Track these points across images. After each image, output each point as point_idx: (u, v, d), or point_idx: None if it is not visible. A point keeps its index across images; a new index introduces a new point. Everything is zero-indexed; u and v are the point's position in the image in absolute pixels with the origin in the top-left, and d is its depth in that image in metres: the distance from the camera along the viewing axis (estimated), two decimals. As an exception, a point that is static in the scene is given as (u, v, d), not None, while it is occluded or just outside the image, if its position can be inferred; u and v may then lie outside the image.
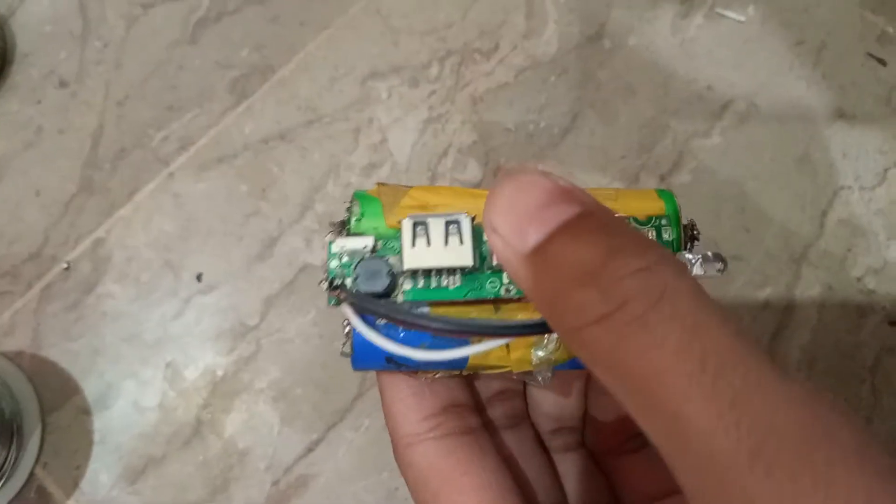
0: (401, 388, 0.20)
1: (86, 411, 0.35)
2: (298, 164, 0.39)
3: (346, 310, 0.18)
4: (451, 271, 0.19)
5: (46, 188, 0.39)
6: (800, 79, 0.42)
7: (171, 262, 0.38)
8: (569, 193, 0.15)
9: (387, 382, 0.20)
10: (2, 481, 0.33)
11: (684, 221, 0.19)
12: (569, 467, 0.23)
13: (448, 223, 0.18)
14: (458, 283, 0.19)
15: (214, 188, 0.39)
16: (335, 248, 0.19)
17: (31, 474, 0.34)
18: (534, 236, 0.15)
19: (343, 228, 0.19)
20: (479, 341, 0.18)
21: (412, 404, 0.20)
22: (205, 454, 0.35)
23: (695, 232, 0.20)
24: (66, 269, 0.37)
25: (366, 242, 0.19)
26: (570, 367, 0.19)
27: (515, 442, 0.22)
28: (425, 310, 0.19)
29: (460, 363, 0.19)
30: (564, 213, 0.14)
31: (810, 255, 0.39)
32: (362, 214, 0.19)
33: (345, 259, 0.19)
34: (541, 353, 0.19)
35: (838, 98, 0.42)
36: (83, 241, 0.38)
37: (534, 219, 0.15)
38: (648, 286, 0.13)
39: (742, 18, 0.43)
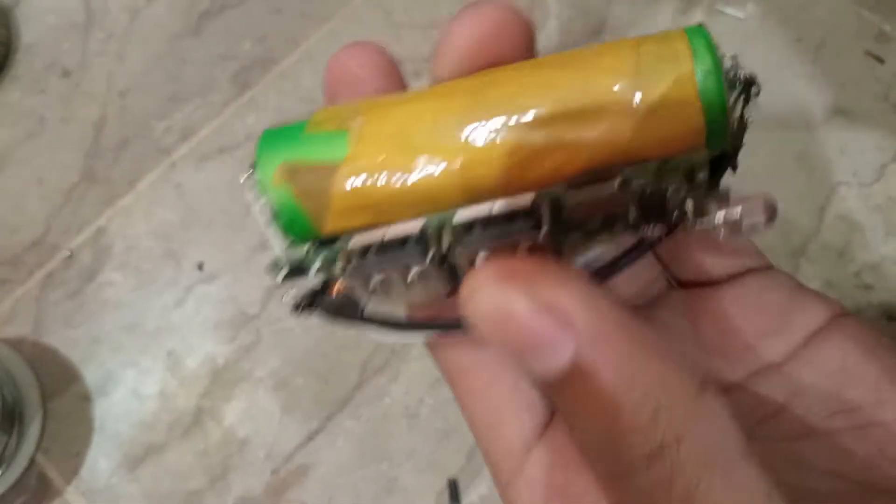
0: (485, 391, 0.17)
1: (86, 398, 0.36)
2: (300, 156, 0.39)
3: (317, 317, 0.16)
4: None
5: (49, 177, 0.39)
6: (798, 76, 0.42)
7: (173, 251, 0.38)
8: (560, 327, 0.13)
9: (464, 382, 0.17)
10: (3, 467, 0.33)
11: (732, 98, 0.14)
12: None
13: (402, 258, 0.14)
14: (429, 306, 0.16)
15: (216, 178, 0.39)
16: (282, 285, 0.15)
17: (32, 461, 0.34)
18: (534, 374, 0.13)
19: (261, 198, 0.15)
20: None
21: (505, 418, 0.17)
22: (205, 442, 0.35)
23: (748, 101, 0.14)
24: (69, 257, 0.37)
25: (314, 282, 0.15)
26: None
27: None
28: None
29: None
30: (558, 360, 0.13)
31: (809, 250, 0.39)
32: (280, 217, 0.14)
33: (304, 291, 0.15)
34: None
35: (836, 95, 0.42)
36: (85, 229, 0.38)
37: (530, 360, 0.13)
38: (659, 479, 0.12)
39: (741, 15, 0.43)
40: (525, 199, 0.14)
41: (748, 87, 0.14)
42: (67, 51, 0.41)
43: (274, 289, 0.37)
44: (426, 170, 0.14)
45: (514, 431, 0.16)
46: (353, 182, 0.14)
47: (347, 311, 0.15)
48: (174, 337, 0.37)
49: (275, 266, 0.15)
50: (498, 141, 0.13)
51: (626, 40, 0.14)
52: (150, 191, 0.39)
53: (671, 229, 0.14)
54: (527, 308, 0.13)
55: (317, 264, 0.15)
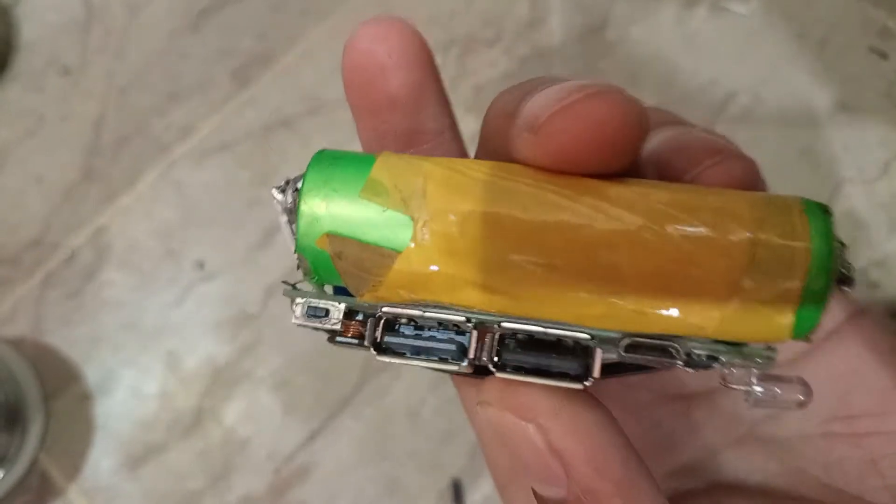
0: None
1: (87, 398, 0.35)
2: (300, 153, 0.39)
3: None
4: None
5: (48, 176, 0.39)
6: (802, 72, 0.42)
7: (173, 249, 0.38)
8: (553, 462, 0.12)
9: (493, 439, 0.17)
10: (5, 467, 0.33)
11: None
12: None
13: (435, 350, 0.13)
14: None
15: (216, 176, 0.39)
16: (298, 319, 0.14)
17: (34, 460, 0.34)
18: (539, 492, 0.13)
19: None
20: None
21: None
22: (205, 442, 0.35)
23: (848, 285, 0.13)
24: (69, 256, 0.37)
25: (331, 327, 0.14)
26: None
27: None
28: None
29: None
30: (548, 491, 0.13)
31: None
32: (319, 274, 0.14)
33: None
34: None
35: (840, 91, 0.42)
36: (85, 228, 0.38)
37: (524, 475, 0.13)
38: None
39: (744, 11, 0.43)
40: (583, 335, 0.13)
41: (842, 283, 0.13)
42: (67, 49, 0.41)
43: (275, 288, 0.37)
44: (484, 295, 0.13)
45: None
46: (403, 279, 0.13)
47: (360, 343, 0.14)
48: (174, 336, 0.36)
49: (291, 295, 0.14)
50: (575, 299, 0.12)
51: (744, 203, 0.12)
52: (150, 189, 0.38)
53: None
54: (533, 444, 0.12)
55: (338, 313, 0.14)
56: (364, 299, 0.13)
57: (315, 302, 0.14)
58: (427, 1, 0.42)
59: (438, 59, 0.43)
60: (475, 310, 0.13)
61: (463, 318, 0.13)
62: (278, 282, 0.37)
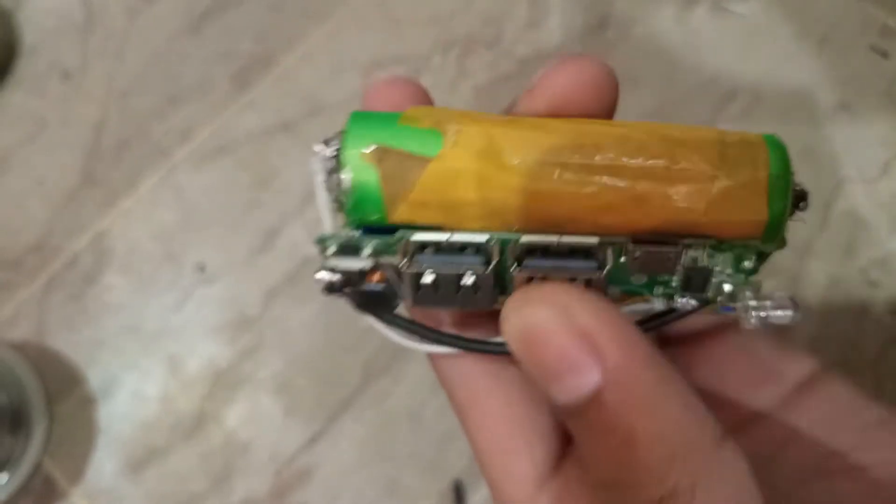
0: (498, 418, 0.17)
1: (90, 401, 0.36)
2: (300, 156, 0.39)
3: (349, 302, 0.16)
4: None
5: (50, 180, 0.39)
6: (802, 71, 0.42)
7: (173, 253, 0.38)
8: (587, 353, 0.13)
9: (474, 405, 0.17)
10: (10, 470, 0.33)
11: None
12: None
13: (459, 266, 0.15)
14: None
15: (216, 180, 0.39)
16: (329, 260, 0.15)
17: (37, 463, 0.34)
18: (558, 398, 0.13)
19: (332, 173, 0.15)
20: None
21: (520, 448, 0.17)
22: (207, 445, 0.35)
23: (796, 211, 0.16)
24: (71, 260, 0.37)
25: (363, 264, 0.15)
26: None
27: None
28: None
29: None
30: (580, 388, 0.13)
31: (814, 246, 0.39)
32: (355, 194, 0.15)
33: (341, 266, 0.15)
34: None
35: (841, 90, 0.42)
36: (86, 232, 0.38)
37: (552, 382, 0.13)
38: None
39: (744, 11, 0.43)
40: (591, 240, 0.15)
41: (799, 200, 0.16)
42: (68, 53, 0.41)
43: (275, 290, 0.37)
44: (507, 189, 0.14)
45: (526, 465, 0.16)
46: (437, 180, 0.15)
47: (378, 303, 0.16)
48: (176, 339, 0.37)
49: (323, 241, 0.15)
50: (581, 182, 0.14)
51: (709, 130, 0.15)
52: (150, 192, 0.39)
53: (702, 305, 0.15)
54: (561, 330, 0.13)
55: (369, 248, 0.15)
56: (397, 214, 0.15)
57: (347, 240, 0.15)
58: (427, 1, 0.42)
59: (438, 60, 0.43)
60: (496, 231, 0.15)
61: (484, 239, 0.15)
62: (279, 285, 0.37)
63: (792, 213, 0.16)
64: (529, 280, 0.15)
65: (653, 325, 0.16)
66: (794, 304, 0.15)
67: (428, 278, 0.15)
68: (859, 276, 0.38)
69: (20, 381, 0.35)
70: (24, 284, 0.37)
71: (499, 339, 0.16)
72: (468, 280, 0.15)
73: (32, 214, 0.38)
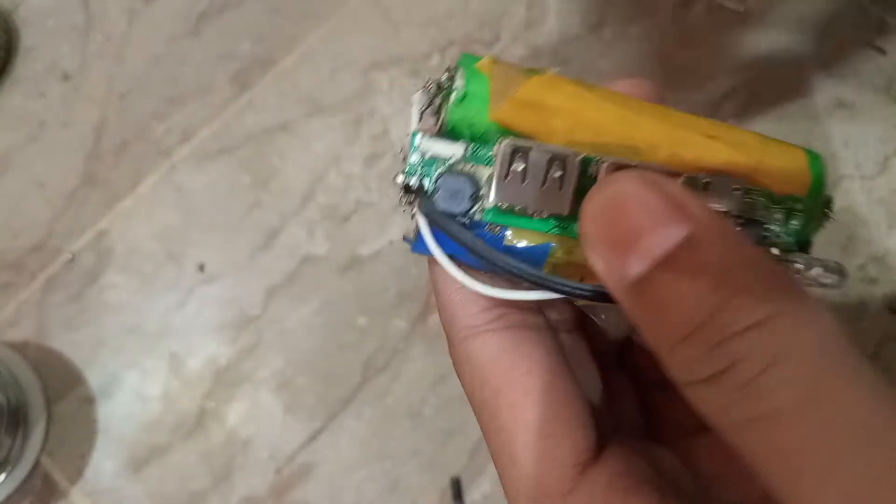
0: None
1: (90, 401, 0.36)
2: (300, 156, 0.39)
3: (420, 221, 0.16)
4: (542, 213, 0.16)
5: (50, 181, 0.39)
6: (799, 69, 0.42)
7: (174, 253, 0.38)
8: (676, 209, 0.13)
9: (444, 273, 0.17)
10: (8, 470, 0.34)
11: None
12: (611, 386, 0.21)
13: (551, 160, 0.16)
14: (553, 227, 0.16)
15: (216, 180, 0.39)
16: (419, 144, 0.16)
17: (37, 463, 0.34)
18: (635, 266, 0.13)
19: (438, 95, 0.16)
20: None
21: (472, 295, 0.17)
22: (208, 443, 0.35)
23: (827, 210, 0.18)
24: (70, 260, 0.37)
25: (454, 151, 0.16)
26: None
27: (570, 347, 0.20)
28: (501, 243, 0.17)
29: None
30: (669, 238, 0.12)
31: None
32: (465, 95, 0.16)
33: (428, 156, 0.16)
34: None
35: (838, 87, 0.42)
36: (86, 232, 0.38)
37: (634, 244, 0.13)
38: (761, 346, 0.12)
39: (741, 8, 0.43)
40: (674, 175, 0.16)
41: (827, 203, 0.18)
42: (67, 54, 0.41)
43: (275, 289, 0.37)
44: (602, 111, 0.16)
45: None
46: (539, 86, 0.16)
47: (448, 216, 0.16)
48: (176, 338, 0.37)
49: (415, 134, 0.16)
50: (669, 128, 0.16)
51: (753, 133, 0.17)
52: (150, 193, 0.39)
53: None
54: (650, 193, 0.13)
55: (462, 143, 0.16)
56: (499, 113, 0.16)
57: (437, 142, 0.16)
58: (425, 3, 0.42)
59: (437, 60, 0.43)
60: (586, 145, 0.16)
61: (571, 152, 0.16)
62: (279, 284, 0.37)
63: (824, 214, 0.17)
64: None
65: None
66: (841, 270, 0.16)
67: (518, 165, 0.16)
68: (857, 273, 0.39)
69: (20, 381, 0.35)
70: (24, 285, 0.37)
71: (590, 287, 0.16)
72: (556, 172, 0.16)
73: (32, 215, 0.38)
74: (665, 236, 0.13)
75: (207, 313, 0.37)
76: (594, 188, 0.14)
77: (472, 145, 0.16)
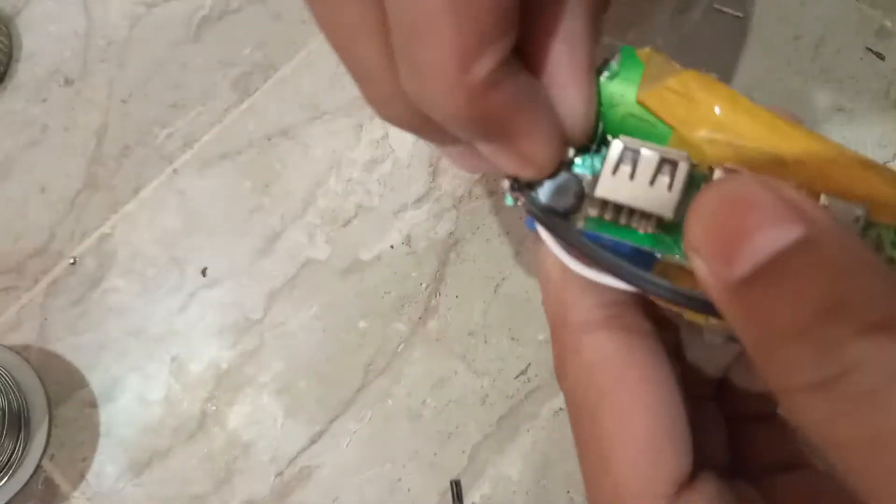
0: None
1: (92, 404, 0.36)
2: (301, 161, 0.39)
3: (532, 213, 0.17)
4: (646, 215, 0.16)
5: (52, 185, 0.39)
6: (798, 73, 0.42)
7: (176, 257, 0.38)
8: (793, 210, 0.12)
9: (555, 261, 0.17)
10: (9, 473, 0.34)
11: None
12: (700, 415, 0.20)
13: (662, 161, 0.16)
14: (649, 231, 0.16)
15: (218, 185, 0.39)
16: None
17: (38, 466, 0.35)
18: (742, 265, 0.12)
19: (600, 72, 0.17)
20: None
21: (588, 287, 0.17)
22: (209, 447, 0.36)
23: None
24: (73, 263, 0.38)
25: (570, 151, 0.17)
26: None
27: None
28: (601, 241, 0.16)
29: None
30: (783, 236, 0.12)
31: None
32: (618, 72, 0.17)
33: None
34: (714, 320, 0.16)
35: (837, 92, 0.42)
36: (88, 237, 0.38)
37: (744, 242, 0.12)
38: (883, 353, 0.10)
39: (740, 14, 0.43)
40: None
41: None
42: (69, 59, 0.41)
43: (277, 293, 0.37)
44: (754, 116, 0.16)
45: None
46: (693, 79, 0.17)
47: (551, 211, 0.16)
48: (178, 342, 0.37)
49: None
50: (822, 147, 0.16)
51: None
52: (152, 197, 0.39)
53: None
54: (767, 193, 0.12)
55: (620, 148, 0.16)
56: (644, 95, 0.17)
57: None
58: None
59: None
60: (728, 131, 0.16)
61: (684, 155, 0.16)
62: (280, 288, 0.38)
63: None
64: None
65: None
66: None
67: (628, 163, 0.16)
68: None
69: (21, 385, 0.35)
70: (26, 288, 0.37)
71: (693, 294, 0.15)
72: (665, 175, 0.16)
73: (35, 219, 0.38)
74: (778, 235, 0.12)
75: (209, 317, 0.37)
76: (705, 186, 0.14)
77: (579, 155, 0.17)
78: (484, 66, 0.14)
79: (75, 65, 0.41)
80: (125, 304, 0.37)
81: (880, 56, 0.43)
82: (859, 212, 0.15)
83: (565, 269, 0.17)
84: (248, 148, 0.40)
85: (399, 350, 0.37)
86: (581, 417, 0.17)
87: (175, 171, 0.39)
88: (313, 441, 0.36)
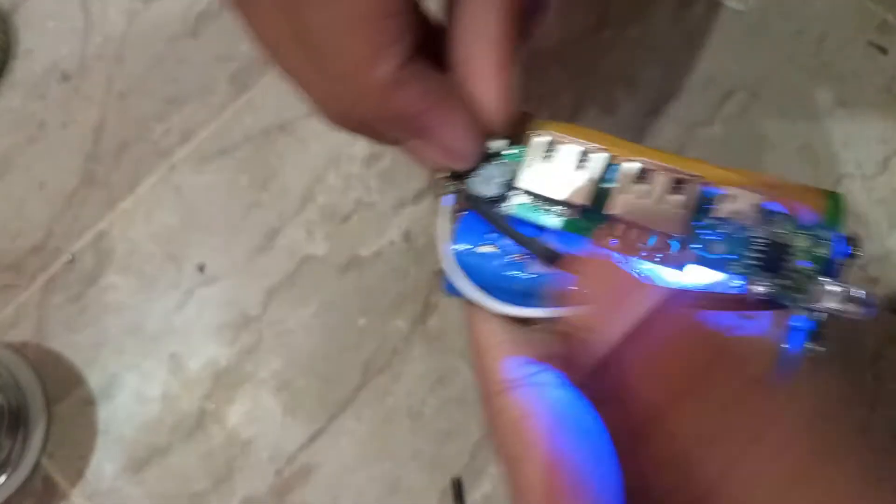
0: (497, 331, 0.19)
1: (90, 402, 0.36)
2: (299, 156, 0.39)
3: (447, 260, 0.19)
4: (567, 203, 0.18)
5: (50, 182, 0.39)
6: (800, 68, 0.42)
7: (173, 254, 0.38)
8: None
9: (482, 324, 0.19)
10: (8, 471, 0.34)
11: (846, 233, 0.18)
12: None
13: (582, 154, 0.18)
14: (572, 217, 0.18)
15: (216, 180, 0.39)
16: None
17: (37, 464, 0.34)
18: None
19: None
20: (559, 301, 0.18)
21: (510, 349, 0.19)
22: (208, 444, 0.35)
23: (854, 251, 0.18)
24: (70, 261, 0.37)
25: (495, 144, 0.19)
26: None
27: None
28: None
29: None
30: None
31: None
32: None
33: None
34: None
35: (839, 87, 0.42)
36: (86, 233, 0.38)
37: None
38: None
39: (742, 8, 0.43)
40: (687, 174, 0.18)
41: (852, 241, 0.18)
42: (66, 55, 0.41)
43: (275, 290, 0.37)
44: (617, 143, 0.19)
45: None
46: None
47: (482, 199, 0.19)
48: (176, 339, 0.37)
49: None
50: (682, 160, 0.19)
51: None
52: (150, 194, 0.39)
53: (772, 303, 0.17)
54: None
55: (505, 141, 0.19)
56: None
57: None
58: (423, 3, 0.42)
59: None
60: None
61: (598, 148, 0.18)
62: (279, 285, 0.37)
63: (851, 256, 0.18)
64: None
65: (719, 306, 0.17)
66: (871, 301, 0.16)
67: (550, 156, 0.18)
68: (858, 273, 0.38)
69: (19, 383, 0.35)
70: (24, 286, 0.37)
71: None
72: (582, 166, 0.18)
73: (32, 216, 0.38)
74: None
75: (207, 314, 0.37)
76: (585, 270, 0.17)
77: (513, 146, 0.19)
78: (384, 69, 0.16)
79: (73, 61, 0.41)
80: (123, 301, 0.37)
81: (883, 51, 0.42)
82: (759, 199, 0.18)
83: (490, 333, 0.19)
84: (245, 143, 0.39)
85: (399, 348, 0.36)
86: (509, 472, 0.18)
87: (172, 166, 0.39)
88: (313, 439, 0.35)
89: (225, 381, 0.36)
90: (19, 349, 0.36)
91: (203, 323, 0.37)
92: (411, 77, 0.17)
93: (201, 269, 0.38)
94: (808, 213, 0.17)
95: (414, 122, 0.17)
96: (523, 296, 0.19)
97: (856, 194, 0.40)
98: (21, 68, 0.40)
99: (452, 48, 0.18)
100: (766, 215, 0.17)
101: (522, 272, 0.18)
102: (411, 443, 0.35)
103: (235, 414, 0.36)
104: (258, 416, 0.36)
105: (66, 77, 0.40)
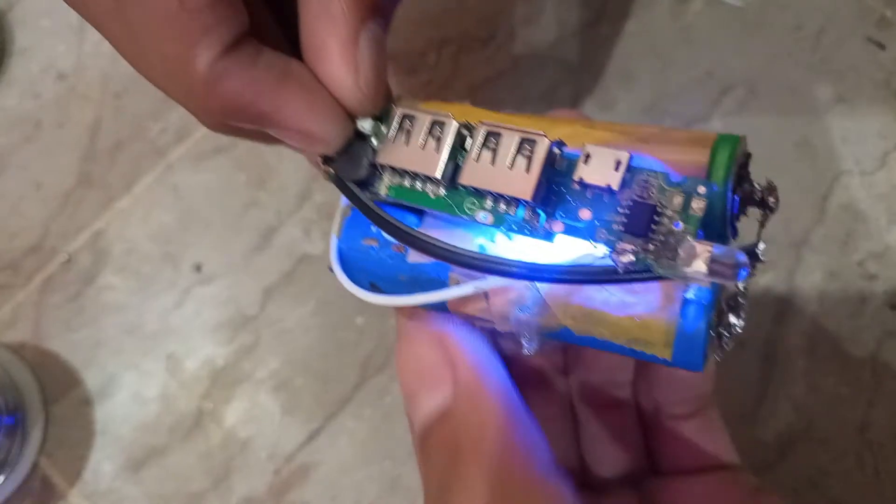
0: (421, 347, 0.19)
1: (88, 402, 0.36)
2: (297, 155, 0.39)
3: (332, 244, 0.19)
4: (429, 178, 0.17)
5: (46, 182, 0.39)
6: (799, 64, 0.42)
7: (171, 253, 0.38)
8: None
9: (404, 365, 0.20)
10: (6, 472, 0.34)
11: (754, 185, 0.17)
12: (607, 423, 0.22)
13: (433, 123, 0.17)
14: (440, 194, 0.17)
15: (213, 179, 0.39)
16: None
17: (35, 465, 0.34)
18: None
19: None
20: (456, 283, 0.17)
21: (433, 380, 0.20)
22: (206, 444, 0.35)
23: (770, 202, 0.17)
24: (67, 261, 0.37)
25: (364, 125, 0.18)
26: (562, 339, 0.17)
27: (539, 404, 0.20)
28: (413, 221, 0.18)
29: (440, 305, 0.18)
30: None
31: (811, 239, 0.39)
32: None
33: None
34: (522, 315, 0.17)
35: (837, 83, 0.42)
36: (83, 233, 0.38)
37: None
38: None
39: (740, 3, 0.43)
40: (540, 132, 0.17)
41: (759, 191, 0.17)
42: (62, 54, 0.41)
43: (272, 289, 0.37)
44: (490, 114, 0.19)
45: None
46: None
47: (351, 182, 0.18)
48: (174, 339, 0.37)
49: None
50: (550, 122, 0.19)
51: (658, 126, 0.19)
52: (146, 193, 0.39)
53: (651, 274, 0.15)
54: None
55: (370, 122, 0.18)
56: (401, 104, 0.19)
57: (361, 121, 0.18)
58: (418, 0, 0.42)
59: (433, 58, 0.43)
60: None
61: (449, 116, 0.17)
62: (276, 284, 0.37)
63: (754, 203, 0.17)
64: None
65: (590, 280, 0.16)
66: (740, 261, 0.14)
67: (406, 128, 0.17)
68: (857, 269, 0.38)
69: (17, 383, 0.35)
70: (21, 286, 0.37)
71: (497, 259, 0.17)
72: (436, 136, 0.17)
73: (29, 216, 0.38)
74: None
75: (205, 314, 0.37)
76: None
77: (381, 124, 0.18)
78: (201, 61, 0.15)
79: (69, 60, 0.41)
80: (120, 300, 0.37)
81: (881, 46, 0.42)
82: (625, 155, 0.16)
83: (412, 371, 0.20)
84: (242, 141, 0.39)
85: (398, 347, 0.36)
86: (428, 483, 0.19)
87: (169, 165, 0.39)
88: (311, 438, 0.35)
89: (223, 381, 0.36)
90: (17, 349, 0.36)
91: (200, 322, 0.37)
92: (235, 65, 0.16)
93: (198, 268, 0.37)
94: (678, 166, 0.16)
95: (248, 111, 0.17)
96: (410, 285, 0.18)
97: (854, 190, 0.40)
98: (17, 67, 0.40)
99: (300, 29, 0.18)
100: (635, 173, 0.16)
101: (403, 261, 0.18)
102: (410, 441, 0.35)
103: (233, 413, 0.36)
104: (256, 416, 0.36)
105: (61, 76, 0.40)
